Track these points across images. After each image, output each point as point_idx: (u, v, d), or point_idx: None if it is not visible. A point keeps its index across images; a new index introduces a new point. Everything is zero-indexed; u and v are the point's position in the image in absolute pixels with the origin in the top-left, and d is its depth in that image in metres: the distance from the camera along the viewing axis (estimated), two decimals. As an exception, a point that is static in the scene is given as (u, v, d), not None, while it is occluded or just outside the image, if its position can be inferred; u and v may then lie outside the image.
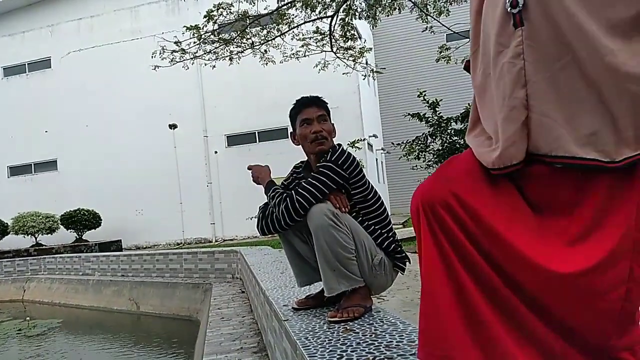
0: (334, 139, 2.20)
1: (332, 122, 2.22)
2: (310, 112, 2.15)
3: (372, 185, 2.19)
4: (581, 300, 0.96)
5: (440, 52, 9.42)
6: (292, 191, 2.07)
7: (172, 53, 9.03)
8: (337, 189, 2.07)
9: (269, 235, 2.34)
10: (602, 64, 0.91)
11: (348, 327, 1.81)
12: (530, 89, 0.96)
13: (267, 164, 2.40)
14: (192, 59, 9.25)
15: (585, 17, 0.91)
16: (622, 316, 0.97)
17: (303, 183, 2.07)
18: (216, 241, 16.02)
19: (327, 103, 2.23)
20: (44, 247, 13.96)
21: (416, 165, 9.78)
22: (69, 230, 15.16)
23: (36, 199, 16.95)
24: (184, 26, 8.88)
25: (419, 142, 9.52)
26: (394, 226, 2.27)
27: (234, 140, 16.57)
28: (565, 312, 0.98)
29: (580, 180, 0.98)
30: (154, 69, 8.89)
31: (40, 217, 14.75)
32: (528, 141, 0.99)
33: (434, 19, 9.14)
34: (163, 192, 16.37)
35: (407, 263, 2.19)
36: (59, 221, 15.02)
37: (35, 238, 14.84)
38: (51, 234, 15.01)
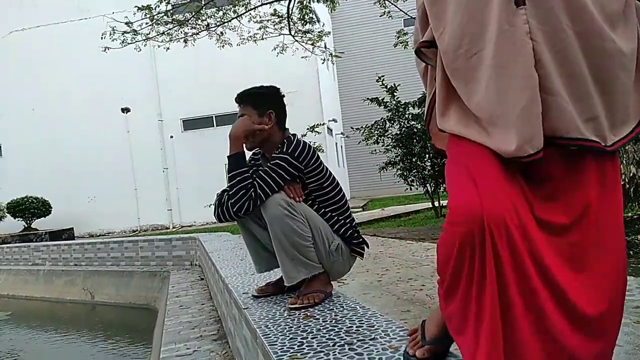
0: (275, 126, 2.11)
1: (270, 110, 2.09)
2: (239, 111, 2.13)
3: (329, 172, 2.17)
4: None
5: (398, 37, 9.47)
6: (252, 180, 2.02)
7: (122, 34, 8.67)
8: (291, 179, 2.05)
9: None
10: (601, 48, 0.95)
11: (308, 314, 1.82)
12: (540, 70, 0.95)
13: (246, 116, 2.09)
14: (144, 40, 8.92)
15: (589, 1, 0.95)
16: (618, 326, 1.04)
17: (260, 173, 2.03)
18: (173, 228, 15.72)
19: (253, 95, 2.12)
20: (-11, 237, 13.32)
21: (375, 150, 9.90)
22: (17, 219, 14.48)
23: (-21, 186, 16.08)
24: (136, 6, 8.53)
25: (378, 126, 9.63)
26: (353, 210, 2.27)
27: (190, 124, 16.19)
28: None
29: (580, 163, 1.01)
30: (104, 50, 8.52)
31: (-16, 205, 14.03)
32: (543, 124, 0.96)
33: (392, 4, 9.16)
34: (116, 178, 15.85)
35: (365, 248, 2.21)
36: (5, 209, 14.33)
37: (-21, 228, 14.13)
38: (-4, 223, 14.31)
